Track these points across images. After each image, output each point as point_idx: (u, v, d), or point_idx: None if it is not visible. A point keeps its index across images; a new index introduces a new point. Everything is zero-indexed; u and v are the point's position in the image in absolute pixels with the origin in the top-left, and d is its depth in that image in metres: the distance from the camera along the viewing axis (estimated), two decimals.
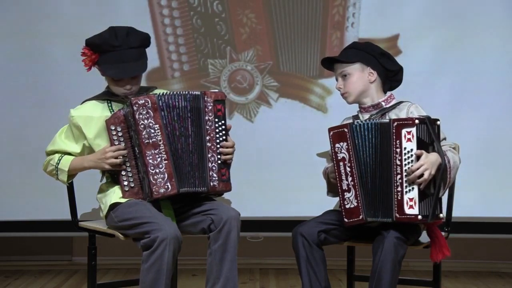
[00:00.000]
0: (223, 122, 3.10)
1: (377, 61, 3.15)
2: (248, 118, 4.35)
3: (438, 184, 2.91)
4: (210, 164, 3.07)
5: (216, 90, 3.12)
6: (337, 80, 3.21)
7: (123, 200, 3.08)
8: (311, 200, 4.01)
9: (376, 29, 4.22)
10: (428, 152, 2.89)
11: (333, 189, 3.21)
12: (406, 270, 4.34)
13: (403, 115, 3.10)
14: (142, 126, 3.01)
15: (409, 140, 2.88)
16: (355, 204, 2.99)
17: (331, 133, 3.04)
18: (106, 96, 3.22)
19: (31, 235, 4.50)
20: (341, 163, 3.01)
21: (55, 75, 4.30)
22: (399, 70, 3.20)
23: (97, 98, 3.23)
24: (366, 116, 3.17)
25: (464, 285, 4.31)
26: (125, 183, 3.09)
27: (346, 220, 3.02)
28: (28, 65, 4.30)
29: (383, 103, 3.17)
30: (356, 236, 3.16)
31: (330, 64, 3.24)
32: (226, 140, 3.10)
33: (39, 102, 4.31)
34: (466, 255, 4.63)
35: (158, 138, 3.03)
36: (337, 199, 3.27)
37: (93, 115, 3.17)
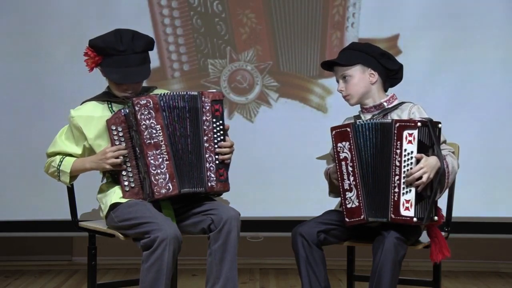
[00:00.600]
0: (221, 122, 3.10)
1: (377, 62, 3.14)
2: (248, 118, 4.35)
3: (435, 187, 2.90)
4: (207, 165, 3.07)
5: (214, 90, 3.12)
6: (338, 82, 3.21)
7: (123, 200, 3.08)
8: (311, 200, 4.02)
9: (376, 29, 4.22)
10: (427, 155, 2.89)
11: (335, 189, 3.21)
12: (406, 270, 4.34)
13: (405, 115, 3.10)
14: (144, 126, 3.01)
15: (410, 142, 2.88)
16: (357, 204, 2.99)
17: (334, 132, 3.03)
18: (106, 97, 3.22)
19: (31, 235, 4.50)
20: (343, 163, 3.01)
21: (55, 75, 4.30)
22: (400, 68, 3.20)
23: (97, 98, 3.23)
24: (368, 116, 3.17)
25: (464, 285, 4.31)
26: (126, 183, 3.09)
27: (347, 220, 3.01)
28: (28, 65, 4.30)
29: (385, 104, 3.16)
30: (356, 236, 3.16)
31: (330, 66, 3.23)
32: (224, 140, 3.10)
33: (39, 102, 4.31)
34: (466, 255, 4.63)
35: (160, 139, 3.03)
36: (337, 199, 3.27)
37: (93, 115, 3.17)
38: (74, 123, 3.17)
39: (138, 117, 3.01)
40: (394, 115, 3.13)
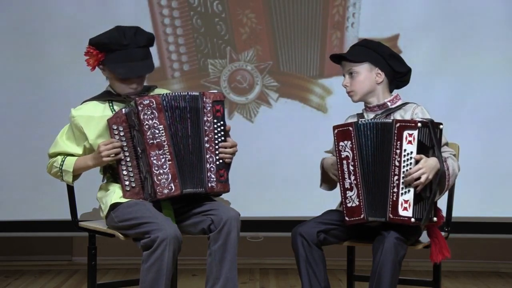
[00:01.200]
0: (222, 122, 3.09)
1: (385, 62, 3.13)
2: (248, 118, 4.35)
3: (434, 188, 2.90)
4: (208, 165, 3.07)
5: (215, 91, 3.12)
6: (344, 76, 3.19)
7: (123, 200, 3.08)
8: (311, 200, 4.01)
9: (376, 29, 4.22)
10: (427, 156, 2.89)
11: (327, 180, 3.21)
12: (406, 270, 4.34)
13: (408, 116, 3.09)
14: (146, 126, 3.01)
15: (410, 142, 2.87)
16: (357, 203, 2.99)
17: (336, 131, 3.02)
18: (107, 96, 3.21)
19: (31, 235, 4.50)
20: (345, 162, 3.00)
21: (55, 75, 4.30)
22: (408, 71, 3.19)
23: (98, 98, 3.22)
24: (371, 115, 3.16)
25: (464, 285, 4.31)
26: (126, 183, 3.08)
27: (347, 219, 3.01)
28: (28, 65, 4.30)
29: (388, 103, 3.15)
30: (356, 236, 3.16)
31: (338, 59, 3.22)
32: (225, 140, 3.10)
33: (39, 102, 4.31)
34: (466, 255, 4.63)
35: (163, 139, 3.02)
36: (337, 199, 3.27)
37: (94, 115, 3.16)
38: (75, 123, 3.17)
39: (141, 117, 3.01)
40: (398, 115, 3.12)
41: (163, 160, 3.02)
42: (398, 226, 2.93)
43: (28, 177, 4.28)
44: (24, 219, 4.35)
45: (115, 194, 3.11)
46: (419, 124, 2.86)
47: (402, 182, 2.88)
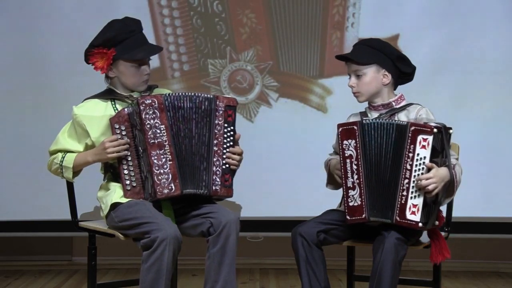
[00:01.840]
0: (232, 128, 3.10)
1: (393, 64, 3.12)
2: (248, 118, 4.35)
3: (441, 196, 2.91)
4: (214, 168, 3.07)
5: (229, 96, 3.12)
6: (349, 75, 3.18)
7: (124, 200, 3.08)
8: (311, 200, 4.01)
9: (376, 29, 4.21)
10: (437, 161, 2.87)
11: (333, 181, 3.21)
12: (406, 270, 4.34)
13: (412, 117, 3.08)
14: (148, 126, 3.01)
15: (423, 147, 2.85)
16: (359, 202, 2.98)
17: (340, 129, 3.01)
18: (109, 95, 3.21)
19: (31, 235, 4.50)
20: (348, 160, 2.99)
21: (55, 75, 4.30)
22: (413, 71, 3.19)
23: (100, 96, 3.21)
24: (375, 114, 3.15)
25: (464, 285, 4.31)
26: (127, 182, 3.08)
27: (348, 217, 3.01)
28: (28, 65, 4.30)
29: (393, 103, 3.15)
30: (356, 236, 3.16)
31: (344, 58, 3.21)
32: (233, 146, 3.10)
33: (39, 102, 4.31)
34: (466, 255, 4.63)
35: (164, 139, 3.02)
36: (338, 199, 3.27)
37: (96, 115, 3.16)
38: (78, 121, 3.16)
39: (143, 116, 3.01)
40: (402, 115, 3.11)
41: (163, 160, 3.02)
42: (398, 226, 2.93)
43: (28, 177, 4.28)
44: (24, 219, 4.35)
45: (116, 193, 3.11)
46: (435, 130, 2.83)
47: (413, 186, 2.87)
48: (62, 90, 4.26)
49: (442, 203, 2.97)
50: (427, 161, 2.85)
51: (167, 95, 3.06)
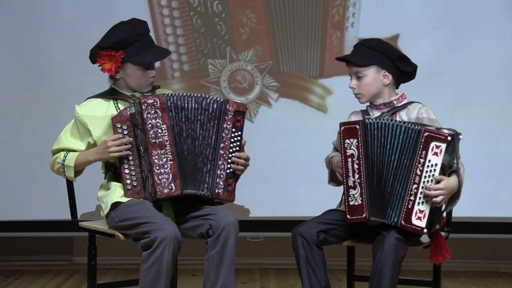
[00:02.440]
0: (239, 133, 3.10)
1: (393, 64, 3.12)
2: (248, 118, 4.35)
3: (447, 204, 2.92)
4: (218, 171, 3.07)
5: (239, 101, 3.12)
6: (350, 77, 3.17)
7: (124, 200, 3.08)
8: (311, 200, 4.02)
9: (376, 29, 4.22)
10: (445, 162, 2.87)
11: (335, 178, 3.21)
12: (406, 270, 4.34)
13: (413, 116, 3.08)
14: (149, 125, 3.01)
15: (435, 154, 2.83)
16: (360, 202, 2.98)
17: (342, 128, 3.00)
18: (112, 95, 3.20)
19: (31, 235, 4.50)
20: (349, 159, 2.99)
21: (55, 75, 4.30)
22: (414, 69, 3.18)
23: (102, 96, 3.21)
24: (376, 113, 3.15)
25: (464, 285, 4.31)
26: (128, 181, 3.08)
27: (348, 216, 3.00)
28: (28, 65, 4.30)
29: (395, 102, 3.15)
30: (356, 236, 3.16)
31: (344, 59, 3.20)
32: (239, 151, 3.10)
33: (39, 102, 4.31)
34: (466, 255, 4.63)
35: (165, 139, 3.02)
36: (337, 199, 3.27)
37: (98, 114, 3.15)
38: (80, 120, 3.15)
39: (144, 116, 3.01)
40: (403, 114, 3.11)
41: (164, 159, 3.02)
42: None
43: (28, 177, 4.28)
44: (24, 219, 4.35)
45: (116, 193, 3.11)
46: (449, 138, 2.82)
47: (421, 192, 2.87)
48: (62, 90, 4.26)
49: (447, 210, 2.99)
50: (438, 168, 2.84)
51: (169, 95, 3.06)
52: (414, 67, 3.17)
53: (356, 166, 2.98)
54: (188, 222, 3.09)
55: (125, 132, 3.06)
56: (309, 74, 4.34)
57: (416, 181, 2.87)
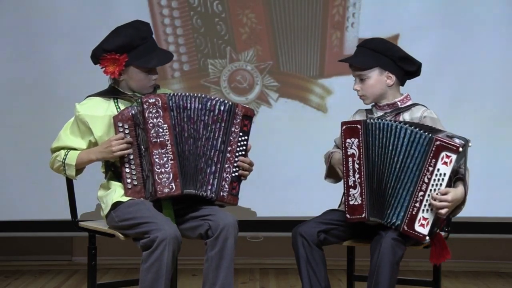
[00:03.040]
0: (246, 138, 3.10)
1: (395, 65, 3.12)
2: None
3: (451, 214, 2.94)
4: (224, 174, 3.07)
5: (248, 106, 3.13)
6: (355, 79, 3.17)
7: (124, 199, 3.07)
8: (311, 200, 4.02)
9: (376, 29, 4.21)
10: (451, 179, 2.87)
11: (333, 175, 3.21)
12: (406, 270, 4.34)
13: (416, 118, 3.08)
14: (151, 124, 3.02)
15: (445, 163, 2.83)
16: (359, 201, 2.98)
17: (344, 127, 3.00)
18: (112, 94, 3.20)
19: (31, 235, 4.50)
20: (350, 159, 2.99)
21: (55, 75, 4.30)
22: (418, 67, 3.18)
23: (103, 95, 3.20)
24: (380, 113, 3.15)
25: (464, 285, 4.31)
26: (128, 180, 3.08)
27: (348, 216, 3.00)
28: (28, 65, 4.30)
29: (398, 103, 3.15)
30: (357, 236, 3.15)
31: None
32: (244, 156, 3.10)
33: (39, 102, 4.31)
34: (466, 255, 4.63)
35: (166, 138, 3.03)
36: (338, 199, 3.27)
37: (98, 114, 3.15)
38: (81, 118, 3.15)
39: (146, 115, 3.01)
40: (406, 115, 3.11)
41: (165, 159, 3.02)
42: None
43: (28, 177, 4.28)
44: (24, 219, 4.35)
45: (116, 193, 3.11)
46: (460, 149, 2.82)
47: (427, 200, 2.86)
48: (62, 91, 4.26)
49: (450, 217, 3.01)
50: (446, 178, 2.84)
51: (171, 94, 3.06)
52: (418, 65, 3.17)
53: (356, 166, 2.98)
54: (188, 222, 3.09)
55: (127, 131, 3.06)
56: (309, 74, 4.34)
57: (423, 188, 2.86)
